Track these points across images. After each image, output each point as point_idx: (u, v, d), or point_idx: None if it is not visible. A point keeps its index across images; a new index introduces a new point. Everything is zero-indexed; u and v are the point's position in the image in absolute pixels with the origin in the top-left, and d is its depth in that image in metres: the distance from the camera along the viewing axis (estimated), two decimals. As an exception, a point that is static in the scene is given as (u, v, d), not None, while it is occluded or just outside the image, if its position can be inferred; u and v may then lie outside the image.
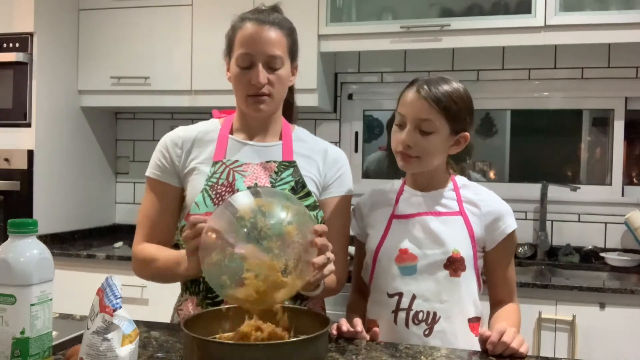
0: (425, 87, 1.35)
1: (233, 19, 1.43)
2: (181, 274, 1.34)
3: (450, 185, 1.46)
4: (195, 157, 1.44)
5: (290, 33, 1.42)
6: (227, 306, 1.20)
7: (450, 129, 1.37)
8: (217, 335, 1.14)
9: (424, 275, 1.38)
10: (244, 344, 1.03)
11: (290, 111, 1.56)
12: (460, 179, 1.48)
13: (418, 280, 1.38)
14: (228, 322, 1.16)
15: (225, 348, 0.98)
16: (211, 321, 1.16)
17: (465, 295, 1.38)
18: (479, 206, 1.42)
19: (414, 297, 1.37)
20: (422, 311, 1.36)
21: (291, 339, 1.09)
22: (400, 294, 1.38)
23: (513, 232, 1.43)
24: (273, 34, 1.37)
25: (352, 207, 1.54)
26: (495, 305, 1.46)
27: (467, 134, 1.40)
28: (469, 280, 1.39)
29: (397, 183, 1.52)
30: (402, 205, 1.45)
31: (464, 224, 1.40)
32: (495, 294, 1.47)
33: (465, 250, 1.38)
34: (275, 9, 1.46)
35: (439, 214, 1.41)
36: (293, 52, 1.44)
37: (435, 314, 1.36)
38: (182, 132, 1.47)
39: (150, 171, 1.46)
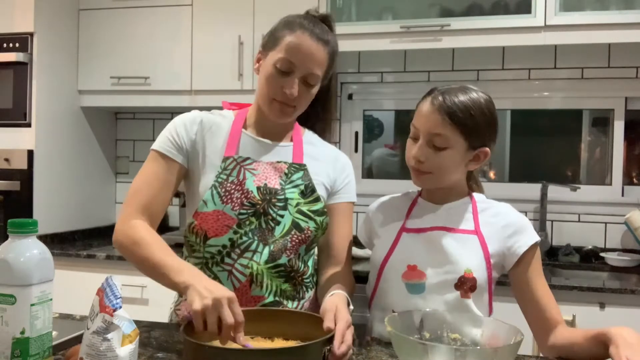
0: (440, 98, 1.25)
1: (288, 17, 1.39)
2: (173, 286, 1.20)
3: (466, 200, 1.37)
4: (207, 141, 1.41)
5: (333, 56, 1.40)
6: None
7: (467, 145, 1.27)
8: (217, 340, 1.14)
9: (432, 295, 1.29)
10: (242, 350, 1.03)
11: (324, 124, 1.58)
12: (478, 197, 1.39)
13: (426, 300, 1.29)
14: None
15: (223, 353, 0.97)
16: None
17: None
18: (497, 219, 1.33)
19: None
20: None
21: (290, 345, 1.10)
22: None
23: (536, 245, 1.32)
24: (321, 53, 1.35)
25: (365, 213, 1.51)
26: (553, 327, 1.30)
27: (487, 149, 1.30)
28: (479, 303, 1.30)
29: (412, 193, 1.45)
30: (414, 218, 1.37)
31: (479, 244, 1.31)
32: (545, 316, 1.31)
33: (478, 271, 1.28)
34: (324, 19, 1.41)
35: (453, 230, 1.32)
36: (328, 73, 1.42)
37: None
38: (200, 114, 1.46)
39: (160, 145, 1.40)
